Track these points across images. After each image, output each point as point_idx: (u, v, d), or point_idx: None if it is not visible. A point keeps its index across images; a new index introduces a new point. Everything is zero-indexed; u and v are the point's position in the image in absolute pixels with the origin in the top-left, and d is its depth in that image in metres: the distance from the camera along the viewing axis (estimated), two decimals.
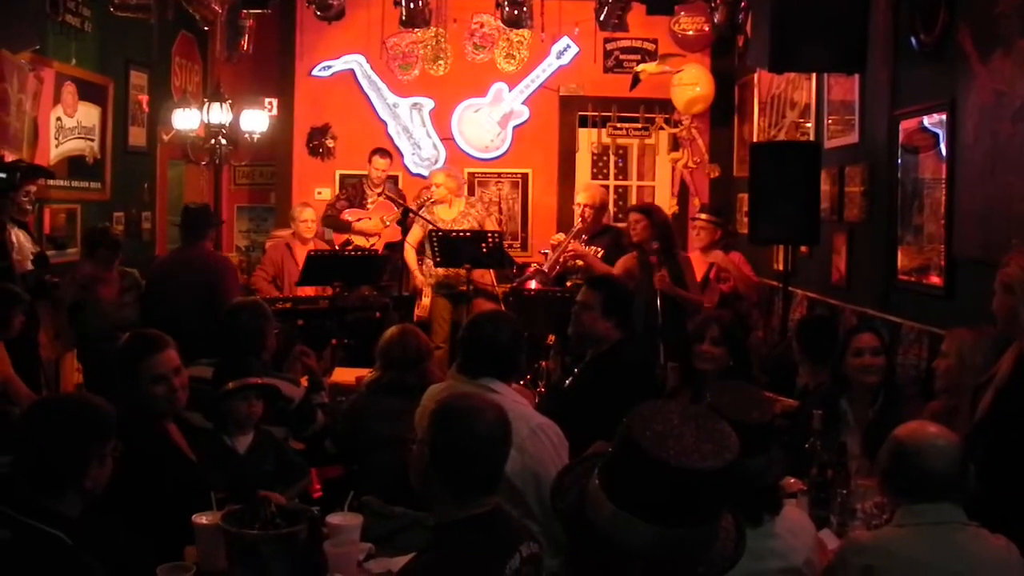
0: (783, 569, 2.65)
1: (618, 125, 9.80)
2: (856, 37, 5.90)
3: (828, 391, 4.33)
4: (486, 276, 7.79)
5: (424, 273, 8.14)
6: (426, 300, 8.06)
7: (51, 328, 6.19)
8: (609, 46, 9.77)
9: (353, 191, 8.87)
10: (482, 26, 9.78)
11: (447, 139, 9.87)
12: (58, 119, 7.26)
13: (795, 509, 3.04)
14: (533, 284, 7.24)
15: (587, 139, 10.02)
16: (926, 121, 5.36)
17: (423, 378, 4.31)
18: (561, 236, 7.40)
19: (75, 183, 7.59)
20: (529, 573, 2.53)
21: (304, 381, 5.03)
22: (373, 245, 8.43)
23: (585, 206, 7.26)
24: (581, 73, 9.80)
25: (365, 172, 9.11)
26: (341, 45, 9.64)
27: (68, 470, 2.72)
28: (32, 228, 6.40)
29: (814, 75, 7.15)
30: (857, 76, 6.29)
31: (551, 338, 6.33)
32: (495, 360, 3.64)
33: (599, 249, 7.11)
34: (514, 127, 9.89)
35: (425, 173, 9.74)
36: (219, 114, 9.09)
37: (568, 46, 9.73)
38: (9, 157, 6.07)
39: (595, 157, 10.14)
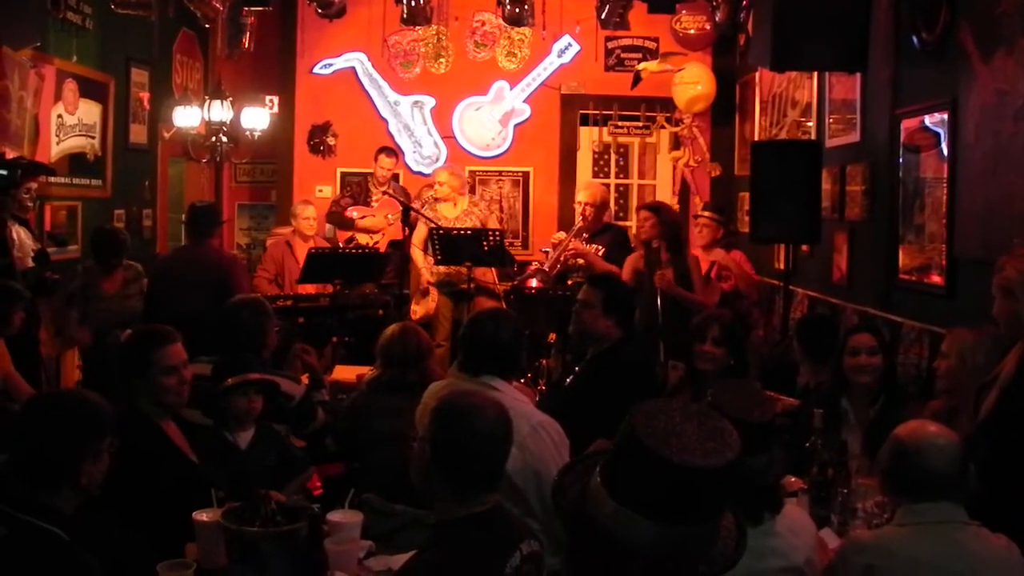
0: (784, 568, 2.64)
1: (619, 124, 9.79)
2: (857, 36, 5.90)
3: (829, 390, 4.33)
4: (488, 274, 7.79)
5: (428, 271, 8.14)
6: (432, 302, 8.02)
7: (52, 325, 6.20)
8: (610, 44, 9.76)
9: (358, 188, 8.86)
10: (483, 24, 9.77)
11: (448, 137, 9.86)
12: (59, 116, 7.27)
13: (796, 508, 3.04)
14: (534, 282, 7.24)
15: (588, 137, 10.02)
16: (927, 120, 5.35)
17: (424, 376, 4.31)
18: (562, 235, 7.40)
19: (76, 180, 7.59)
20: (530, 571, 2.53)
21: (305, 379, 5.03)
22: (376, 243, 8.42)
23: (586, 204, 7.26)
24: (582, 71, 9.80)
25: (365, 170, 9.12)
26: (342, 43, 9.64)
27: (63, 466, 2.72)
28: (33, 225, 6.41)
29: (815, 74, 7.14)
30: (858, 75, 6.28)
31: (552, 336, 6.33)
32: (496, 358, 3.64)
33: (600, 247, 7.11)
34: (515, 125, 9.88)
35: (426, 171, 9.75)
36: (220, 111, 9.09)
37: (569, 44, 9.72)
38: (10, 154, 6.08)
39: (596, 156, 10.15)
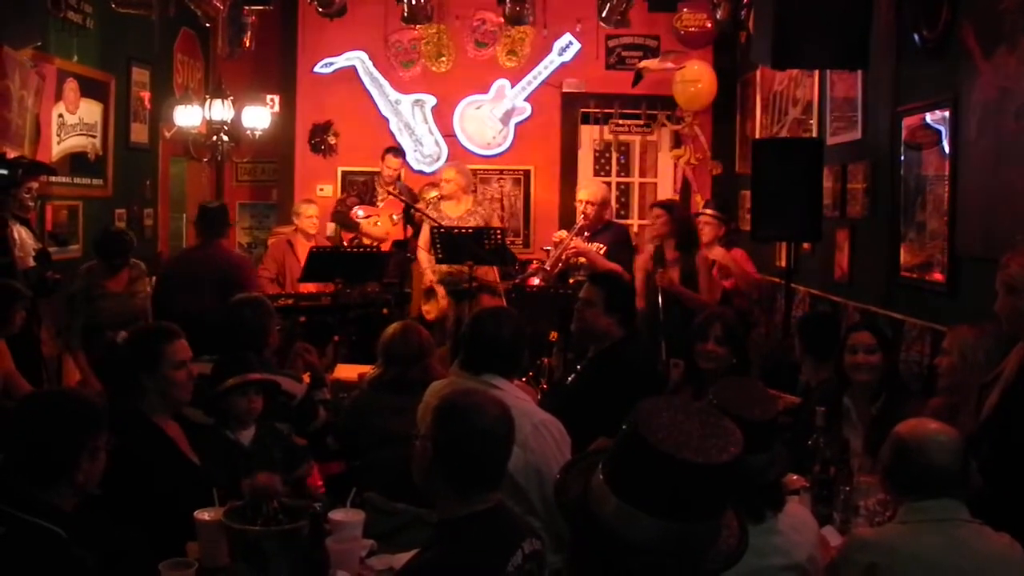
0: (786, 565, 2.64)
1: (620, 122, 9.79)
2: (859, 33, 5.89)
3: (831, 388, 4.33)
4: (490, 273, 7.78)
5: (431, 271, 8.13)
6: (443, 299, 8.00)
7: (53, 325, 6.20)
8: (611, 43, 9.76)
9: (363, 188, 8.87)
10: (484, 22, 9.77)
11: (449, 136, 9.86)
12: (60, 116, 7.27)
13: (798, 506, 3.04)
14: (536, 281, 7.23)
15: (589, 136, 10.02)
16: (929, 118, 5.35)
17: (426, 374, 4.31)
18: (563, 233, 7.39)
19: (77, 180, 7.59)
20: (531, 570, 2.53)
21: (306, 378, 5.03)
22: (381, 242, 8.42)
23: (587, 203, 7.25)
24: (583, 70, 9.79)
25: (367, 169, 9.13)
26: (343, 42, 9.63)
27: (60, 463, 2.73)
28: (34, 225, 6.41)
29: (816, 72, 7.14)
30: (860, 72, 6.28)
31: (554, 335, 6.33)
32: (497, 357, 3.64)
33: (601, 246, 7.11)
34: (516, 124, 9.88)
35: (427, 170, 9.76)
36: (221, 111, 9.09)
37: (570, 43, 9.71)
38: (11, 154, 6.07)
39: (597, 154, 10.14)
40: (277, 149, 10.17)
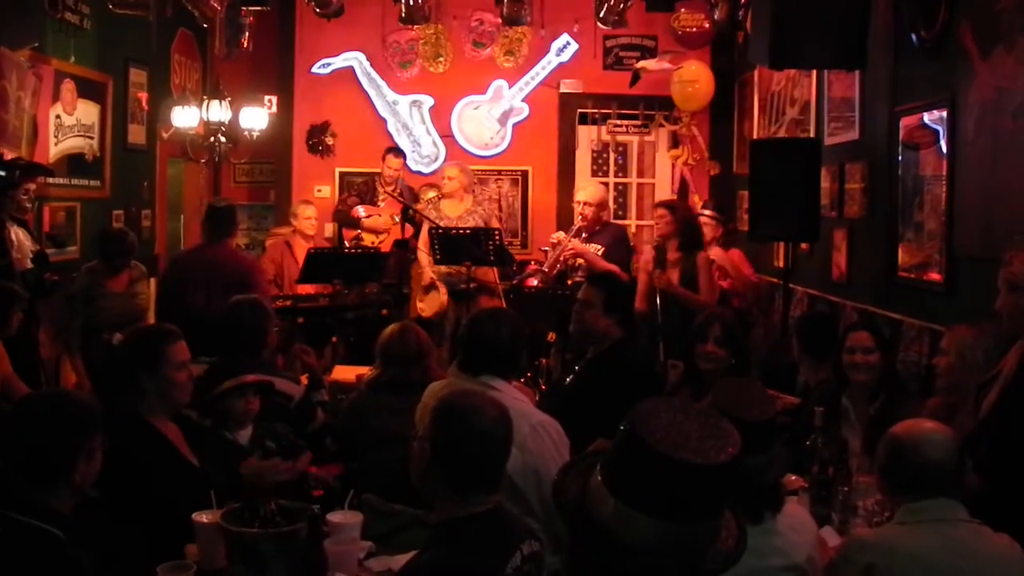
0: (784, 566, 2.64)
1: (618, 122, 9.79)
2: (856, 33, 5.89)
3: (829, 388, 4.33)
4: (490, 274, 7.78)
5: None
6: (443, 296, 7.99)
7: (51, 327, 6.19)
8: (609, 43, 9.76)
9: (364, 188, 8.87)
10: (482, 23, 9.77)
11: (447, 136, 9.86)
12: (57, 117, 7.26)
13: (797, 506, 3.04)
14: (534, 282, 7.23)
15: (587, 136, 10.02)
16: (926, 118, 5.35)
17: (425, 375, 4.30)
18: (561, 235, 7.39)
19: (74, 181, 7.59)
20: (530, 571, 2.53)
21: (304, 379, 5.03)
22: (382, 242, 8.42)
23: (585, 204, 7.25)
24: (581, 70, 9.80)
25: (364, 170, 9.15)
26: (341, 42, 9.63)
27: (57, 464, 2.73)
28: (32, 226, 6.40)
29: (814, 72, 7.14)
30: (857, 73, 6.29)
31: (552, 336, 6.33)
32: (496, 358, 3.63)
33: (600, 247, 7.11)
34: (514, 124, 9.88)
35: (425, 171, 9.76)
36: (218, 112, 9.08)
37: (568, 43, 9.71)
38: (8, 155, 6.07)
39: (595, 154, 10.14)
40: (275, 150, 10.17)
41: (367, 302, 7.49)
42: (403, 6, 7.68)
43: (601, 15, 7.90)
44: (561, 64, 9.80)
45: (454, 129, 9.87)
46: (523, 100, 9.85)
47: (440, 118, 9.86)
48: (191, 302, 5.91)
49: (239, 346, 4.52)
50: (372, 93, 9.82)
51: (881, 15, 5.87)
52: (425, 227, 7.93)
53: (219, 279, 6.02)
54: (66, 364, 6.67)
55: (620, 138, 9.93)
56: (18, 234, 5.90)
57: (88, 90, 7.71)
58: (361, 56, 9.75)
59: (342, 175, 9.84)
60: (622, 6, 7.70)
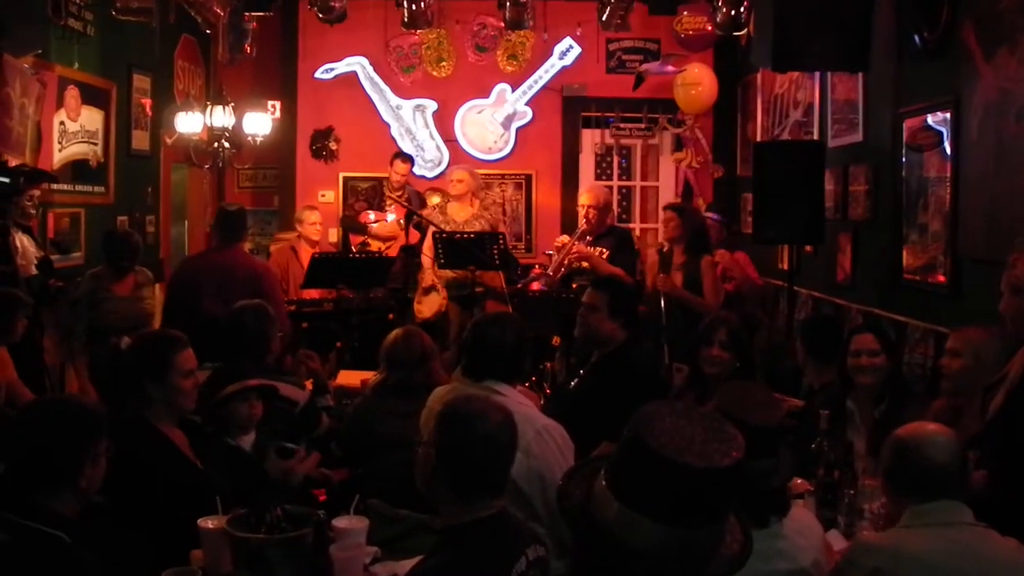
0: (790, 570, 2.63)
1: (621, 125, 9.79)
2: (859, 35, 5.89)
3: (834, 391, 4.32)
4: (496, 279, 7.77)
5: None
6: (442, 299, 7.99)
7: (56, 333, 6.20)
8: (612, 46, 9.77)
9: (371, 192, 8.88)
10: (484, 27, 9.78)
11: (450, 141, 9.87)
12: (61, 123, 7.27)
13: (802, 510, 3.03)
14: (538, 286, 7.23)
15: (590, 139, 10.02)
16: (930, 119, 5.34)
17: (429, 378, 4.30)
18: (565, 238, 7.38)
19: (79, 187, 7.59)
20: None
21: (309, 384, 5.03)
22: (389, 247, 8.43)
23: (589, 207, 7.23)
24: (584, 74, 9.79)
25: (368, 174, 9.18)
26: (344, 47, 9.64)
27: (63, 469, 2.74)
28: (36, 232, 6.41)
29: (817, 74, 7.14)
30: (860, 75, 6.28)
31: (556, 340, 6.32)
32: (500, 362, 3.63)
33: (604, 250, 7.10)
34: (517, 128, 9.88)
35: (428, 175, 9.77)
36: (222, 117, 9.08)
37: (571, 47, 9.71)
38: (12, 162, 6.07)
39: (598, 157, 10.14)
40: (278, 155, 10.18)
41: (372, 307, 7.49)
42: (405, 11, 7.68)
43: (604, 19, 7.90)
44: (564, 68, 9.80)
45: (457, 133, 9.87)
46: (526, 104, 9.85)
47: (443, 122, 9.86)
48: (204, 307, 5.91)
49: (242, 351, 4.53)
50: (375, 98, 9.83)
51: (884, 16, 5.87)
52: (430, 232, 7.94)
53: (231, 283, 6.01)
54: (71, 370, 6.68)
55: (623, 141, 9.93)
56: (22, 240, 5.91)
57: (92, 96, 7.72)
58: (364, 61, 9.76)
59: (346, 180, 9.85)
60: (624, 9, 7.70)
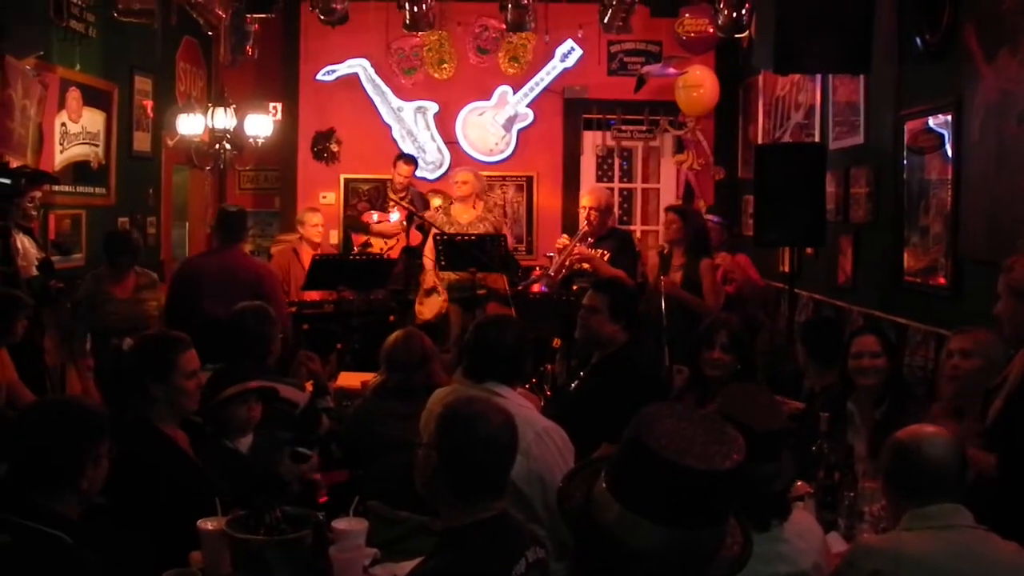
0: (791, 573, 2.63)
1: (622, 128, 9.79)
2: (860, 38, 5.88)
3: (835, 393, 4.32)
4: (499, 281, 7.76)
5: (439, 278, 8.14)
6: (443, 301, 7.99)
7: (57, 334, 6.19)
8: (613, 48, 9.77)
9: (375, 193, 8.88)
10: (486, 29, 9.78)
11: (452, 143, 9.87)
12: (63, 125, 7.27)
13: (803, 513, 3.02)
14: (538, 288, 7.22)
15: (591, 141, 10.02)
16: (931, 121, 5.34)
17: (429, 379, 4.30)
18: (566, 239, 7.39)
19: (80, 189, 7.60)
20: None
21: (309, 386, 5.03)
22: (391, 248, 8.43)
23: (590, 209, 7.23)
24: (585, 76, 9.79)
25: (370, 176, 9.19)
26: (345, 49, 9.65)
27: (65, 470, 2.74)
28: (37, 234, 6.41)
29: (819, 76, 7.14)
30: (862, 77, 6.28)
31: (557, 342, 6.32)
32: (501, 364, 3.63)
33: (605, 252, 7.10)
34: (518, 130, 9.89)
35: (430, 177, 9.77)
36: (223, 119, 9.09)
37: (572, 49, 9.72)
38: (14, 163, 6.07)
39: (600, 159, 10.14)
40: (280, 157, 10.18)
41: (373, 309, 7.48)
42: (407, 13, 7.68)
43: (605, 21, 7.90)
44: (565, 70, 9.80)
45: (459, 135, 9.87)
46: (527, 106, 9.85)
47: (445, 124, 9.87)
48: (205, 308, 5.91)
49: (243, 353, 4.53)
50: (377, 100, 9.83)
51: (885, 19, 5.87)
52: (432, 234, 7.94)
53: (232, 285, 6.01)
54: (71, 372, 6.67)
55: (625, 143, 9.93)
56: (24, 242, 5.91)
57: (93, 98, 7.73)
58: (366, 63, 9.77)
59: (347, 182, 9.86)
60: (626, 12, 7.70)
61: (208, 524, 3.02)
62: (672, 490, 1.84)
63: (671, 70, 9.22)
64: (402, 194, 8.61)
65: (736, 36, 7.79)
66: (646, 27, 9.38)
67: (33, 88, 6.57)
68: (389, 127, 9.84)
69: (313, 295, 7.63)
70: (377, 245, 8.52)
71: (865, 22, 5.88)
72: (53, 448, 2.73)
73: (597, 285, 4.96)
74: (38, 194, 6.14)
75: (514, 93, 9.82)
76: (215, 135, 9.18)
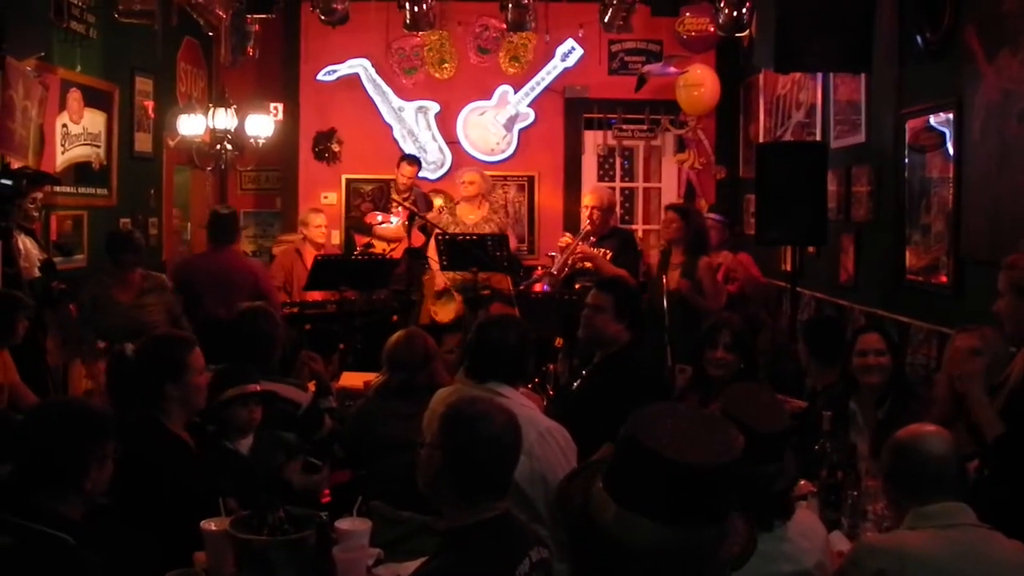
0: (794, 572, 2.63)
1: (623, 127, 9.79)
2: (861, 36, 5.89)
3: (837, 392, 4.31)
4: (503, 281, 7.76)
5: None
6: (458, 304, 8.00)
7: (58, 335, 6.20)
8: (614, 48, 9.76)
9: (378, 193, 8.89)
10: (486, 29, 9.78)
11: (453, 142, 9.87)
12: (64, 126, 7.27)
13: (806, 512, 3.02)
14: (540, 287, 7.22)
15: (593, 141, 10.02)
16: (933, 120, 5.34)
17: (431, 379, 4.30)
18: (569, 237, 7.38)
19: (81, 190, 7.59)
20: None
21: (311, 386, 5.03)
22: (393, 249, 8.43)
23: (592, 208, 7.24)
24: (586, 75, 9.79)
25: (371, 176, 9.19)
26: (346, 49, 9.65)
27: (68, 471, 2.74)
28: (39, 235, 6.41)
29: (819, 75, 7.14)
30: (863, 76, 6.28)
31: (559, 341, 6.32)
32: (503, 364, 3.63)
33: (608, 251, 7.10)
34: (520, 130, 9.88)
35: (431, 177, 9.77)
36: (224, 119, 9.08)
37: (573, 48, 9.71)
38: (15, 164, 6.08)
39: (601, 159, 10.14)
40: (281, 157, 10.18)
41: (375, 309, 7.49)
42: (408, 13, 7.68)
43: (606, 20, 7.90)
44: (566, 69, 9.80)
45: (460, 135, 9.87)
46: (528, 105, 9.85)
47: (446, 124, 9.87)
48: (205, 308, 5.92)
49: (248, 353, 4.52)
50: (378, 100, 9.83)
51: (886, 17, 5.87)
52: (435, 235, 7.95)
53: (230, 285, 6.03)
54: (73, 372, 6.67)
55: (626, 143, 9.93)
56: (25, 243, 5.91)
57: (94, 99, 7.72)
58: (366, 63, 9.77)
59: (348, 182, 9.86)
60: (627, 11, 7.70)
61: (212, 524, 3.03)
62: (668, 486, 1.84)
63: (672, 69, 9.22)
64: (406, 195, 8.61)
65: (737, 35, 7.79)
66: (647, 26, 9.38)
67: (34, 89, 6.57)
68: (390, 127, 9.84)
69: (316, 295, 7.63)
70: (379, 246, 8.52)
71: (866, 21, 5.89)
72: (56, 449, 2.74)
73: (601, 284, 4.95)
74: (39, 195, 6.14)
75: (515, 93, 9.82)
76: (216, 135, 9.18)
